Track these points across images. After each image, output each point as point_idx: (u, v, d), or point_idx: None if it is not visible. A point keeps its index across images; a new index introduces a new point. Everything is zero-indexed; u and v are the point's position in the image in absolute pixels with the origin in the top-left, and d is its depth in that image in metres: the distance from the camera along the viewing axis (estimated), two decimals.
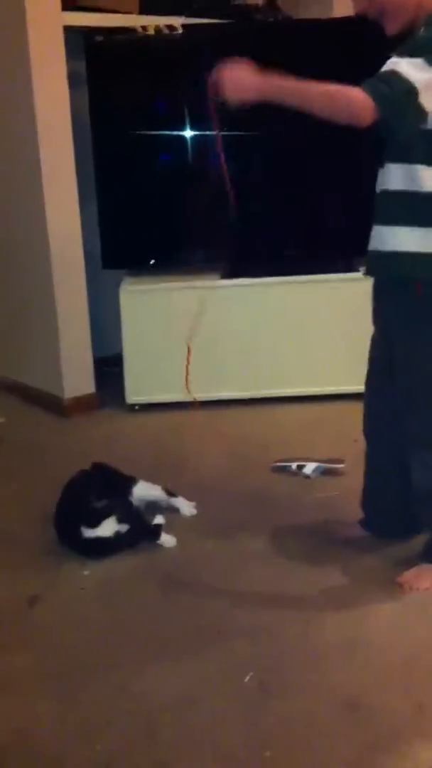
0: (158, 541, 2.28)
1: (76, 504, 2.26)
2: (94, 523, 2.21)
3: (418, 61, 1.71)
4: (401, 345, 1.97)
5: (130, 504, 2.35)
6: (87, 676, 1.77)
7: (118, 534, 2.23)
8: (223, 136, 2.02)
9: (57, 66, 3.05)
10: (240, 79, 1.79)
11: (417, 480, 2.04)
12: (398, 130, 1.75)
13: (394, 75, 1.71)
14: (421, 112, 1.73)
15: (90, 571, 2.17)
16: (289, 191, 3.31)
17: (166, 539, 2.29)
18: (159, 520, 2.33)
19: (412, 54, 1.72)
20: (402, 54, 1.73)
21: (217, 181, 2.09)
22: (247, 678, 1.73)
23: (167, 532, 2.31)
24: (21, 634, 1.94)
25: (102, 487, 2.29)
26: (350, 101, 1.71)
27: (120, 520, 2.24)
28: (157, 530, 2.29)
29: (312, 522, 2.38)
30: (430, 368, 1.94)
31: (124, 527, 2.24)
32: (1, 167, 3.33)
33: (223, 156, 2.02)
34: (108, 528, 2.22)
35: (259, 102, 1.79)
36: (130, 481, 2.43)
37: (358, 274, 3.19)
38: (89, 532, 2.21)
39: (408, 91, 1.69)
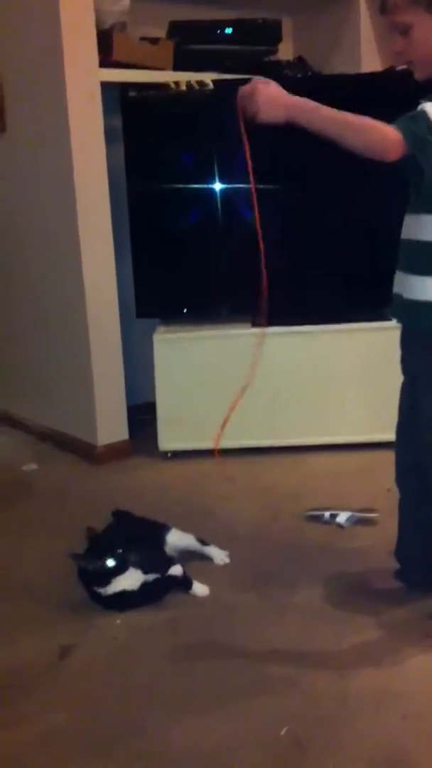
0: (190, 591, 2.27)
1: (91, 562, 2.20)
2: (104, 583, 2.17)
3: None
4: (424, 396, 1.98)
5: (161, 554, 2.33)
6: (119, 731, 1.76)
7: (145, 584, 2.20)
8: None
9: (94, 121, 3.13)
10: (274, 96, 1.80)
11: None
12: (425, 167, 1.76)
13: (422, 114, 1.75)
14: None
15: (122, 621, 2.17)
16: (318, 241, 3.34)
17: (199, 588, 2.27)
18: (176, 571, 2.28)
19: None
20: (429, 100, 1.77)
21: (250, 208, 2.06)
22: (283, 732, 1.71)
23: (199, 581, 2.30)
24: (52, 687, 1.93)
25: (125, 540, 2.24)
26: (381, 134, 1.73)
27: (147, 571, 2.21)
28: (188, 580, 2.27)
29: (345, 572, 2.36)
30: None
31: (151, 577, 2.22)
32: (39, 219, 3.41)
33: (252, 178, 1.99)
34: (135, 580, 2.19)
35: (288, 123, 1.79)
36: (163, 530, 2.43)
37: (388, 323, 3.20)
38: (106, 589, 2.19)
39: (430, 130, 1.72)
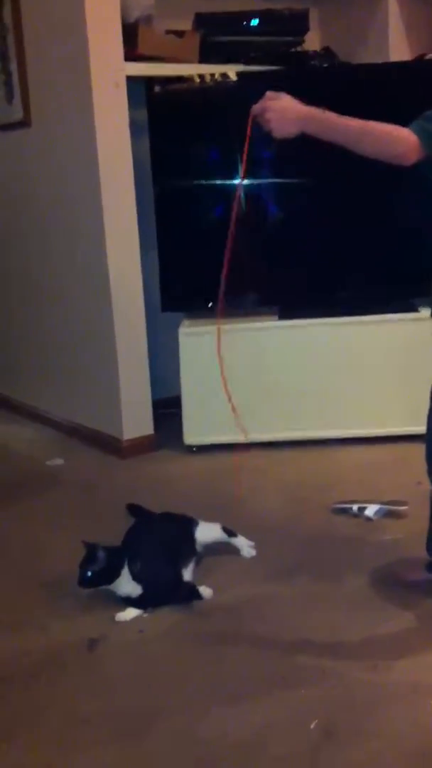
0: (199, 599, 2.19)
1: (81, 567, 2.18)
2: (89, 586, 2.16)
3: None
4: None
5: (168, 566, 2.23)
6: (150, 720, 1.74)
7: (144, 594, 2.17)
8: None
9: (119, 115, 3.12)
10: (285, 112, 1.81)
11: None
12: None
13: None
14: None
15: (149, 614, 2.15)
16: (346, 232, 3.31)
17: (205, 592, 2.20)
18: (184, 588, 2.21)
19: None
20: None
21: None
22: (313, 725, 1.69)
23: (225, 573, 2.27)
24: (82, 678, 1.92)
25: (129, 549, 2.22)
26: (395, 139, 1.73)
27: (144, 585, 2.17)
28: (192, 595, 2.19)
29: (375, 565, 2.33)
30: None
31: (149, 590, 2.17)
32: (65, 214, 3.41)
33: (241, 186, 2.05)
34: (133, 588, 2.17)
35: (303, 135, 1.81)
36: (191, 524, 2.41)
37: (418, 314, 3.18)
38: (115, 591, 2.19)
39: None
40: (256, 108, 1.86)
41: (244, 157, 2.03)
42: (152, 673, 1.92)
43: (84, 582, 2.16)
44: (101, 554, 2.16)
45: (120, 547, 2.26)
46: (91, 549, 2.18)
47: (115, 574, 2.17)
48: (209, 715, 1.75)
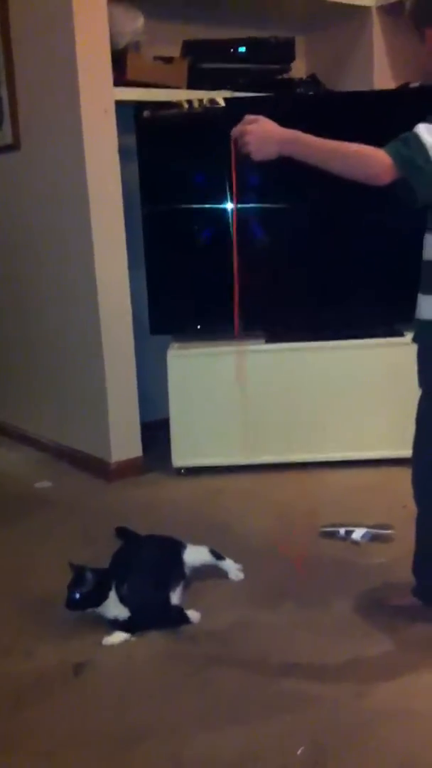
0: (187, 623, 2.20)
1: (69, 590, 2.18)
2: (77, 608, 2.16)
3: None
4: None
5: (156, 590, 2.23)
6: (136, 745, 1.74)
7: (133, 617, 2.17)
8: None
9: (109, 140, 3.15)
10: (264, 134, 1.84)
11: None
12: (417, 191, 1.78)
13: (414, 136, 1.77)
14: None
15: (136, 637, 2.15)
16: (331, 257, 3.34)
17: (193, 616, 2.21)
18: (172, 611, 2.21)
19: None
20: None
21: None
22: (299, 751, 1.69)
23: (213, 597, 2.27)
24: (68, 702, 1.92)
25: (117, 573, 2.22)
26: (369, 159, 1.76)
27: (132, 609, 2.16)
28: (180, 619, 2.19)
29: (362, 589, 2.34)
30: None
31: (136, 614, 2.16)
32: (53, 236, 3.43)
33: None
34: (121, 611, 2.16)
35: (282, 158, 1.84)
36: (179, 547, 2.41)
37: (402, 339, 3.21)
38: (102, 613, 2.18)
39: (422, 152, 1.75)
40: (235, 131, 1.89)
41: (234, 180, 2.05)
42: (138, 697, 1.92)
43: (72, 604, 2.16)
44: (89, 576, 2.16)
45: (108, 569, 2.27)
46: (79, 571, 2.18)
47: (102, 597, 2.17)
48: (195, 739, 1.75)
